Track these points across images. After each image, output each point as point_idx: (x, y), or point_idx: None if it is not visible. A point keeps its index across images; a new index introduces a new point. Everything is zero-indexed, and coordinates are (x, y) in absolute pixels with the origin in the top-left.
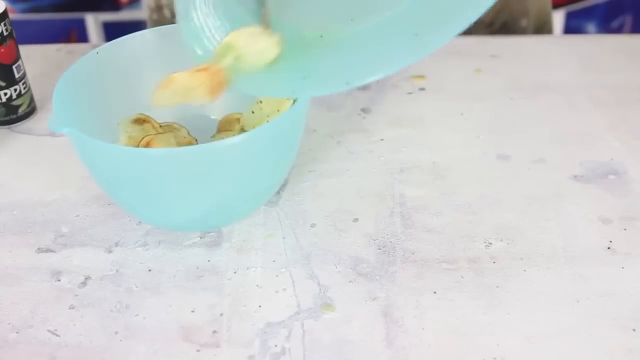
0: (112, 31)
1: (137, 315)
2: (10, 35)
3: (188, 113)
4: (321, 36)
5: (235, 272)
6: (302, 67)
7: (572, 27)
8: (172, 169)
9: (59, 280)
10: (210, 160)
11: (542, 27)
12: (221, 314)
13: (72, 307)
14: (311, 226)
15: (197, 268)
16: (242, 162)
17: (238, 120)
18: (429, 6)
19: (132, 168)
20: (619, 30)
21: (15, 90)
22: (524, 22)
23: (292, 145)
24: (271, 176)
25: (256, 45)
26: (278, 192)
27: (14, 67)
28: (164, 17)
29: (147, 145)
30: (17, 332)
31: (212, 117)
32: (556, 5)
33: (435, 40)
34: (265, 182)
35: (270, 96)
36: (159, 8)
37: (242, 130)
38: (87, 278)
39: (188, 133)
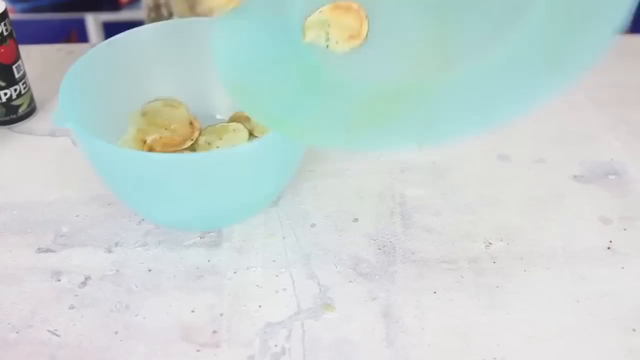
0: (112, 31)
1: (137, 315)
2: (10, 35)
3: (194, 112)
4: (421, 86)
5: (235, 272)
6: (418, 115)
7: None
8: (173, 174)
9: (59, 280)
10: (213, 168)
11: None
12: (221, 314)
13: (72, 307)
14: (311, 226)
15: (197, 268)
16: (246, 170)
17: (247, 118)
18: (555, 31)
19: (133, 170)
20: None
21: (15, 90)
22: None
23: (296, 152)
24: (274, 182)
25: (343, 20)
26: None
27: (14, 67)
28: (161, 15)
29: (151, 149)
30: (17, 332)
31: (217, 116)
32: None
33: (576, 68)
34: (269, 188)
35: (393, 150)
36: (157, 7)
37: (251, 133)
38: (87, 278)
39: (187, 110)
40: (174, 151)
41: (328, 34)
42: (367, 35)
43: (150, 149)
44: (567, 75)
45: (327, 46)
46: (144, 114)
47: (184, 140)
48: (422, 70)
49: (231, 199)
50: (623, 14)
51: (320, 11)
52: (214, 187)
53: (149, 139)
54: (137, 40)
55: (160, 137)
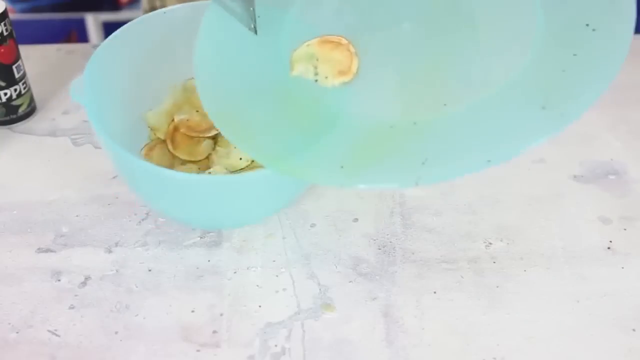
0: (112, 31)
1: (137, 315)
2: (10, 35)
3: None
4: (415, 123)
5: (235, 272)
6: (413, 153)
7: None
8: (173, 188)
9: (59, 280)
10: (217, 190)
11: None
12: (221, 314)
13: (72, 307)
14: (311, 226)
15: (197, 268)
16: (255, 193)
17: None
18: (551, 70)
19: (137, 174)
20: None
21: (15, 90)
22: None
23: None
24: (283, 201)
25: (332, 54)
26: None
27: (14, 67)
28: None
29: (175, 128)
30: (17, 332)
31: None
32: None
33: (575, 109)
34: (277, 205)
35: (390, 189)
36: (152, 10)
37: None
38: (87, 278)
39: None
40: (197, 136)
41: (316, 68)
42: (357, 71)
43: (175, 129)
44: (565, 114)
45: (316, 80)
46: (185, 89)
47: (209, 129)
48: (416, 106)
49: (237, 215)
50: (621, 57)
51: (308, 44)
52: (218, 206)
53: (177, 119)
54: (171, 19)
55: (188, 120)
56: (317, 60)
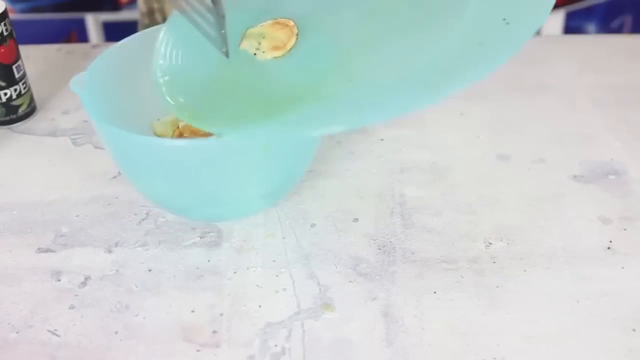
0: (112, 31)
1: (137, 315)
2: (10, 35)
3: None
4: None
5: (235, 272)
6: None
7: (572, 27)
8: (175, 160)
9: (59, 280)
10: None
11: None
12: (221, 314)
13: (72, 307)
14: (311, 226)
15: (197, 268)
16: (254, 159)
17: None
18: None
19: (135, 153)
20: (619, 30)
21: (15, 90)
22: None
23: (309, 149)
24: (277, 176)
25: (277, 33)
26: None
27: (14, 67)
28: (155, 21)
29: (180, 134)
30: (17, 332)
31: None
32: (556, 5)
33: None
34: (269, 182)
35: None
36: (150, 12)
37: None
38: (87, 278)
39: None
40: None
41: (260, 44)
42: (293, 47)
43: (180, 134)
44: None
45: (255, 54)
46: None
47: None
48: (353, 71)
49: (234, 189)
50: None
51: (262, 25)
52: (215, 176)
53: (181, 124)
54: None
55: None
56: (264, 38)
